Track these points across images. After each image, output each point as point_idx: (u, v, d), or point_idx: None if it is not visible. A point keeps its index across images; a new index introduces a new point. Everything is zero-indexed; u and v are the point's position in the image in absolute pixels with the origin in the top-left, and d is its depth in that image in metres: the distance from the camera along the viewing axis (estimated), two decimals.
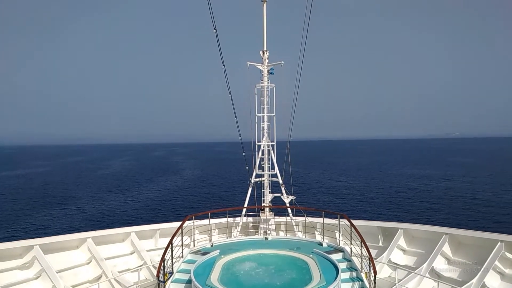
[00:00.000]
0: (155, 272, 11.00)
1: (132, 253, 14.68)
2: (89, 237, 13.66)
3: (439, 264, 12.87)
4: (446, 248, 13.01)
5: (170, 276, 10.25)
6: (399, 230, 14.31)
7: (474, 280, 11.51)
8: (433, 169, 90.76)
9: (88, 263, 13.46)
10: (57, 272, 12.15)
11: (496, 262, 11.54)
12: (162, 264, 9.75)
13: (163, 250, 10.38)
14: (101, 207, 48.32)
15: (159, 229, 15.46)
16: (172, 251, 10.64)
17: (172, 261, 10.61)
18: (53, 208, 48.11)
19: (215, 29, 13.98)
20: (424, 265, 12.86)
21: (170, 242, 10.64)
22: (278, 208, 16.54)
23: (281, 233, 16.39)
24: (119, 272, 13.42)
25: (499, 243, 11.66)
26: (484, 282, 11.39)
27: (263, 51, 16.04)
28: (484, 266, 11.58)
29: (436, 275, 12.58)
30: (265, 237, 13.54)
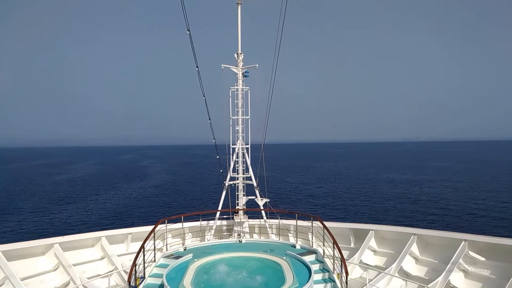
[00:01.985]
0: (126, 277, 10.77)
1: (102, 258, 14.30)
2: (56, 243, 13.21)
3: (408, 263, 13.26)
4: (414, 248, 13.41)
5: (142, 281, 10.06)
6: (370, 231, 14.64)
7: (440, 278, 11.93)
8: (403, 172, 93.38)
9: (55, 269, 13.00)
10: (21, 280, 11.67)
11: (460, 261, 12.01)
12: (134, 268, 9.56)
13: (134, 255, 10.19)
14: (68, 213, 46.61)
15: (130, 233, 15.15)
16: (144, 256, 10.45)
17: (144, 266, 10.42)
18: (17, 214, 46.22)
19: (188, 30, 13.91)
20: (394, 265, 13.21)
21: (142, 246, 10.46)
22: (252, 211, 16.57)
23: (255, 236, 16.42)
24: (88, 278, 13.04)
25: (463, 242, 12.14)
26: (449, 280, 11.83)
27: (237, 53, 16.07)
28: (449, 264, 12.02)
29: (404, 274, 12.95)
30: (239, 240, 13.53)
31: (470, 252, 12.04)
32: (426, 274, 12.75)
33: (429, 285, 11.70)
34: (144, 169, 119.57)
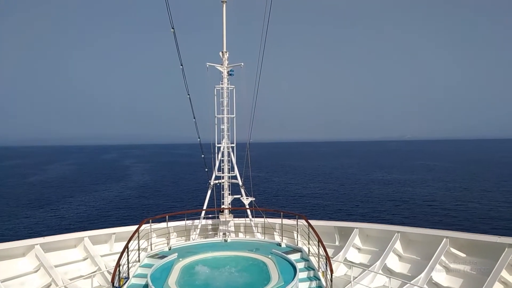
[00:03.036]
0: (110, 277, 10.62)
1: (85, 259, 14.06)
2: (37, 244, 12.92)
3: (391, 260, 13.46)
4: (398, 246, 13.62)
5: (126, 281, 9.94)
6: (355, 229, 14.79)
7: (422, 275, 12.15)
8: (387, 171, 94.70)
9: (36, 271, 12.72)
10: (1, 282, 11.39)
11: (442, 257, 12.25)
12: (118, 269, 9.43)
13: (118, 255, 10.05)
14: (47, 214, 45.51)
15: (114, 233, 14.94)
16: (128, 256, 10.32)
17: (128, 266, 10.30)
18: None
19: (172, 28, 13.80)
20: (377, 262, 13.38)
21: (126, 246, 10.33)
22: (238, 210, 16.54)
23: (241, 235, 16.40)
24: (71, 279, 12.80)
25: (444, 239, 12.39)
26: (431, 276, 12.05)
27: (222, 52, 16.01)
28: (431, 261, 12.25)
29: (388, 271, 13.13)
30: (224, 239, 13.49)
31: (451, 248, 12.29)
32: (409, 271, 12.97)
33: (411, 282, 11.89)
34: (126, 168, 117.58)
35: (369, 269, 13.03)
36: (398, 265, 13.44)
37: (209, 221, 16.39)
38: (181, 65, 14.89)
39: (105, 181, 79.16)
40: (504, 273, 10.83)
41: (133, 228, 12.36)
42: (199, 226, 15.84)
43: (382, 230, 14.48)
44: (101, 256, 14.17)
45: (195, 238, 15.22)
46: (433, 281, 12.00)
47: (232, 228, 16.09)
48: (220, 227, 15.87)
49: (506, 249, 11.00)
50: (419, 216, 40.41)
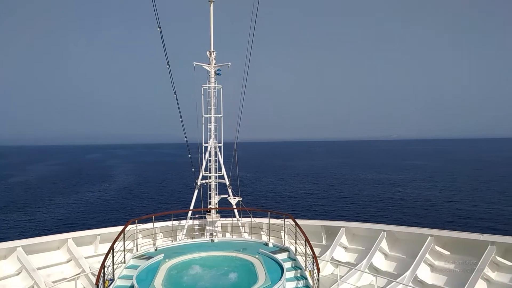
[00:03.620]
0: (94, 279, 10.45)
1: (69, 261, 13.80)
2: (19, 246, 12.62)
3: (377, 259, 13.59)
4: (384, 244, 13.76)
5: (111, 283, 9.79)
6: (341, 228, 14.89)
7: (408, 273, 12.31)
8: (374, 170, 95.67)
9: (18, 273, 12.42)
10: None
11: (427, 255, 12.43)
12: (102, 270, 9.27)
13: (103, 257, 9.90)
14: (29, 216, 44.51)
15: (99, 235, 14.71)
16: (113, 257, 10.17)
17: (113, 267, 10.14)
18: None
19: (159, 27, 13.68)
20: (364, 261, 13.49)
21: (111, 248, 10.17)
22: (225, 210, 16.48)
23: (228, 235, 16.34)
24: (54, 282, 12.55)
25: (429, 237, 12.57)
26: (416, 274, 12.22)
27: (210, 51, 15.93)
28: (416, 259, 12.43)
29: (374, 270, 13.26)
30: (211, 239, 13.43)
31: (436, 246, 12.48)
32: (395, 269, 13.12)
33: (397, 280, 12.03)
34: (111, 169, 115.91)
35: (356, 268, 13.14)
36: (384, 264, 13.58)
37: (196, 221, 16.29)
38: (168, 64, 14.79)
39: (89, 182, 77.84)
40: (487, 270, 11.05)
41: (119, 229, 12.19)
42: (186, 227, 15.73)
43: (368, 229, 14.62)
44: (86, 257, 13.94)
45: (182, 239, 15.10)
46: (418, 279, 12.17)
47: (219, 228, 16.03)
48: (207, 227, 15.79)
49: (489, 246, 11.23)
50: (404, 215, 40.96)
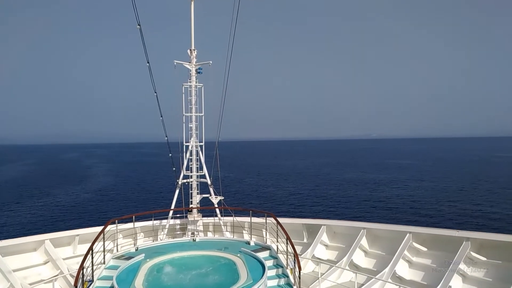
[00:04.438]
0: (73, 281, 10.24)
1: (46, 263, 13.48)
2: None
3: (357, 256, 13.81)
4: (364, 242, 14.00)
5: (90, 284, 9.62)
6: (322, 226, 15.06)
7: (387, 269, 12.56)
8: (353, 168, 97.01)
9: None
10: None
11: (405, 252, 12.72)
12: (81, 271, 9.10)
13: (82, 258, 9.71)
14: (3, 217, 43.26)
15: (78, 235, 14.42)
16: (92, 258, 9.99)
17: (92, 268, 9.96)
18: None
19: (139, 25, 13.49)
20: (344, 258, 13.69)
21: (91, 248, 9.99)
22: (207, 209, 16.42)
23: (209, 234, 16.29)
24: (31, 284, 12.25)
25: (407, 234, 12.86)
26: (395, 270, 12.49)
27: (190, 49, 15.82)
28: (395, 255, 12.70)
29: (354, 267, 13.47)
30: (193, 239, 13.36)
31: (414, 243, 12.78)
32: (375, 266, 13.37)
33: (376, 276, 12.26)
34: (89, 169, 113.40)
35: (336, 265, 13.32)
36: (364, 261, 13.81)
37: (177, 221, 16.17)
38: (148, 62, 14.61)
39: (65, 183, 75.80)
40: (462, 265, 11.38)
41: (98, 229, 11.99)
42: (167, 226, 15.59)
43: (348, 227, 14.83)
44: (64, 259, 13.65)
45: (163, 238, 14.97)
46: (397, 275, 12.43)
47: (201, 228, 15.96)
48: (189, 227, 15.69)
49: (464, 242, 11.57)
50: (384, 213, 41.73)
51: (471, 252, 11.46)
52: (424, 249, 12.68)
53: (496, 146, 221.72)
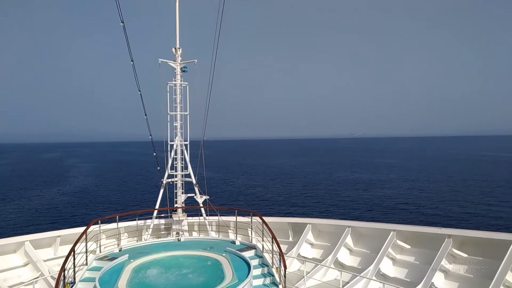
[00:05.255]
0: (54, 283, 10.02)
1: (26, 265, 13.17)
2: None
3: (342, 254, 13.93)
4: (349, 240, 14.12)
5: (72, 286, 9.43)
6: (308, 225, 15.13)
7: (371, 267, 12.71)
8: (337, 166, 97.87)
9: None
10: None
11: (389, 249, 12.89)
12: (62, 273, 8.91)
13: (64, 259, 9.51)
14: None
15: (59, 236, 14.12)
16: (74, 259, 9.79)
17: (74, 270, 9.77)
18: None
19: (122, 22, 13.29)
20: (329, 257, 13.79)
21: (72, 249, 9.79)
22: (192, 209, 16.31)
23: (195, 234, 16.18)
24: (10, 286, 11.95)
25: (392, 232, 13.04)
26: (379, 268, 12.64)
27: (175, 48, 15.67)
28: (380, 253, 12.85)
29: (339, 265, 13.58)
30: (178, 239, 13.25)
31: (398, 241, 12.96)
32: (359, 264, 13.51)
33: (361, 274, 12.39)
34: (72, 168, 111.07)
35: (322, 263, 13.40)
36: (349, 259, 13.94)
37: (162, 221, 16.00)
38: (132, 60, 14.41)
39: (46, 183, 74.24)
40: (444, 262, 11.61)
41: (81, 230, 11.77)
42: (152, 226, 15.42)
43: (333, 225, 14.94)
44: (44, 260, 13.36)
45: (147, 238, 14.79)
46: (381, 273, 12.58)
47: (186, 227, 15.84)
48: (173, 227, 15.55)
49: (446, 239, 11.79)
50: (369, 211, 42.24)
51: (453, 249, 11.68)
52: (408, 246, 12.87)
53: (481, 146, 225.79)
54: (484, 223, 35.59)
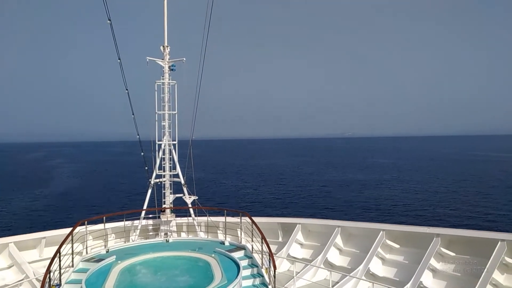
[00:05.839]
0: (39, 285, 9.78)
1: (10, 267, 12.87)
2: None
3: (332, 254, 13.93)
4: (338, 240, 14.13)
5: None
6: (297, 225, 15.09)
7: (361, 267, 12.73)
8: (327, 166, 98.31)
9: None
10: None
11: (379, 249, 12.93)
12: (48, 275, 8.69)
13: (49, 261, 9.29)
14: None
15: (44, 238, 13.82)
16: (60, 261, 9.56)
17: (60, 272, 9.54)
18: None
19: (109, 19, 13.07)
20: (319, 257, 13.78)
21: (58, 251, 9.56)
22: (180, 209, 16.13)
23: (183, 234, 16.02)
24: None
25: (381, 232, 13.08)
26: (368, 267, 12.68)
27: (163, 46, 15.47)
28: (369, 253, 12.89)
29: (329, 265, 13.58)
30: (166, 239, 13.09)
31: (387, 240, 13.02)
32: (349, 264, 13.53)
33: (351, 274, 12.40)
34: (56, 168, 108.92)
35: (311, 263, 13.38)
36: (338, 259, 13.94)
37: (150, 221, 15.80)
38: (119, 58, 14.18)
39: (31, 183, 72.67)
40: (433, 261, 11.70)
41: (66, 231, 11.53)
42: (139, 227, 15.21)
43: (323, 225, 14.94)
44: (29, 262, 13.07)
45: (135, 239, 14.58)
46: (370, 272, 12.61)
47: (174, 228, 15.67)
48: (162, 227, 15.36)
49: (434, 238, 11.88)
50: (358, 211, 42.51)
51: (441, 248, 11.78)
52: (397, 246, 12.93)
53: (472, 146, 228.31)
54: (471, 222, 36.15)
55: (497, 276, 10.44)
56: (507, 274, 10.54)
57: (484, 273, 10.43)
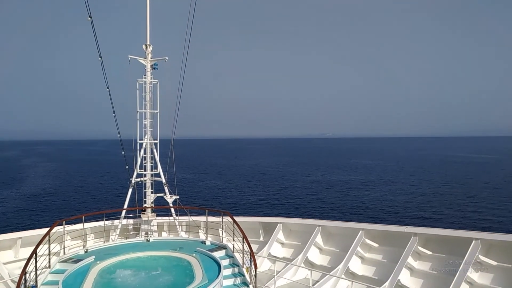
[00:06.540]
0: (14, 287, 9.56)
1: None
2: None
3: (312, 253, 14.08)
4: (319, 239, 14.29)
5: None
6: (278, 224, 15.19)
7: (341, 266, 12.91)
8: (309, 166, 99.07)
9: None
10: None
11: (358, 248, 13.14)
12: (23, 277, 8.51)
13: (25, 262, 9.08)
14: None
15: (20, 238, 13.48)
16: (36, 262, 9.36)
17: (36, 273, 9.34)
18: None
19: (90, 17, 12.85)
20: (300, 256, 13.90)
21: (34, 251, 9.36)
22: (161, 209, 16.01)
23: (164, 234, 15.91)
24: None
25: (360, 231, 13.30)
26: (348, 266, 12.87)
27: (146, 45, 15.33)
28: (349, 252, 13.08)
29: (309, 264, 13.72)
30: (147, 239, 13.00)
31: (366, 239, 13.24)
32: (329, 263, 13.70)
33: (331, 273, 12.57)
34: (32, 168, 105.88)
35: (292, 262, 13.49)
36: (318, 258, 14.10)
37: (131, 221, 15.62)
38: (100, 56, 13.96)
39: (5, 182, 70.67)
40: (410, 259, 11.96)
41: (43, 231, 11.29)
42: (120, 226, 15.02)
43: (304, 224, 15.08)
44: (4, 263, 12.72)
45: (115, 239, 14.39)
46: (350, 271, 12.81)
47: (155, 228, 15.53)
48: (142, 227, 15.21)
49: (412, 237, 12.15)
50: (338, 210, 43.01)
51: (418, 247, 12.06)
52: (376, 245, 13.17)
53: (453, 147, 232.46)
54: (447, 221, 37.08)
55: (472, 274, 10.76)
56: (481, 272, 10.87)
57: (459, 271, 10.74)
